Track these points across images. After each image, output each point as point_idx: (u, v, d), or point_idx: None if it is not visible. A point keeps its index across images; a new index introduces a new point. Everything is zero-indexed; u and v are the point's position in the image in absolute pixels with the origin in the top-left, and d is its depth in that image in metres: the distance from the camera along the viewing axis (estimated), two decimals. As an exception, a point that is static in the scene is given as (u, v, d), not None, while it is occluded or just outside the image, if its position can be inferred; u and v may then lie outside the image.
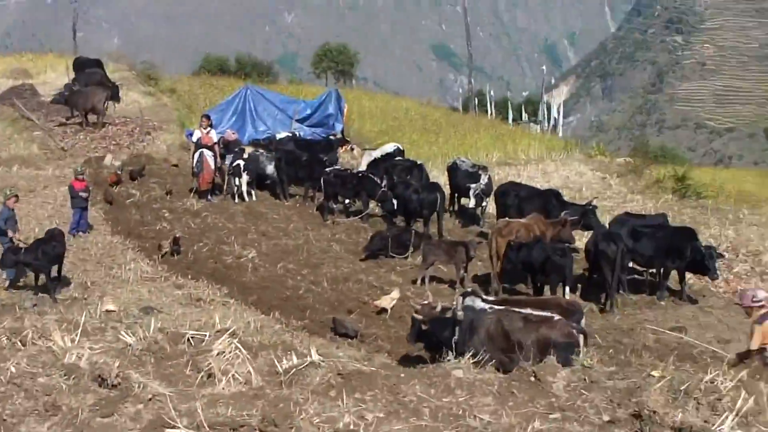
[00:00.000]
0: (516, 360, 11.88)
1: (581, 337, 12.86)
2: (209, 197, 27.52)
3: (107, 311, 13.99)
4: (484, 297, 14.12)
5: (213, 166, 27.73)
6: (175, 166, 31.93)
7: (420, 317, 14.16)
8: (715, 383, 8.87)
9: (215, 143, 28.13)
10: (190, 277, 19.94)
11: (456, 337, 13.60)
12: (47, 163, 32.48)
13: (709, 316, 20.17)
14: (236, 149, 29.14)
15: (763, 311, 13.81)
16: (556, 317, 12.99)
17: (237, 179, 27.87)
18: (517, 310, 13.49)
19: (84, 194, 24.28)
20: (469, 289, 15.79)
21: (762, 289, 16.18)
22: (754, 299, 13.90)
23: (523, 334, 12.75)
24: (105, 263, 21.61)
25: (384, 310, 19.18)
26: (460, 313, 13.54)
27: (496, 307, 13.64)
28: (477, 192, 27.74)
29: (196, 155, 27.60)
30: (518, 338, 12.73)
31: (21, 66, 51.73)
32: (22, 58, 56.97)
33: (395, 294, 19.48)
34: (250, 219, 26.20)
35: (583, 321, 13.55)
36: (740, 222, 30.25)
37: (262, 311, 18.19)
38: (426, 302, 14.53)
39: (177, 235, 22.63)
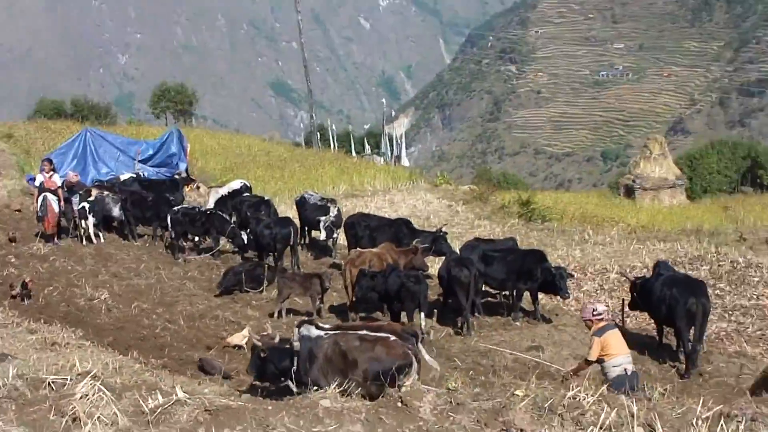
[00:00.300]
0: (353, 380, 11.97)
1: (415, 360, 12.96)
2: (56, 241, 26.93)
3: (-40, 360, 13.55)
4: (320, 324, 14.19)
5: (57, 210, 27.18)
6: (18, 211, 31.25)
7: (259, 345, 14.16)
8: (578, 399, 9.09)
9: (59, 187, 27.60)
10: (42, 321, 19.38)
11: (294, 367, 13.64)
12: None
13: (563, 334, 20.67)
14: (81, 191, 28.62)
15: (602, 324, 14.49)
16: (392, 337, 13.11)
17: (84, 222, 27.34)
18: (352, 332, 13.64)
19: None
20: (305, 319, 15.92)
21: (601, 303, 16.86)
22: (595, 312, 14.63)
23: (359, 352, 12.82)
24: (-47, 312, 20.96)
25: (239, 346, 19.07)
26: (296, 344, 13.55)
27: (332, 332, 13.74)
28: (327, 224, 27.82)
29: (40, 199, 26.97)
30: (354, 356, 12.79)
31: None
32: None
33: (245, 332, 19.33)
34: (100, 261, 25.71)
35: (421, 346, 13.75)
36: (586, 242, 31.14)
37: (120, 352, 17.79)
38: (266, 333, 14.56)
39: (26, 280, 22.06)
